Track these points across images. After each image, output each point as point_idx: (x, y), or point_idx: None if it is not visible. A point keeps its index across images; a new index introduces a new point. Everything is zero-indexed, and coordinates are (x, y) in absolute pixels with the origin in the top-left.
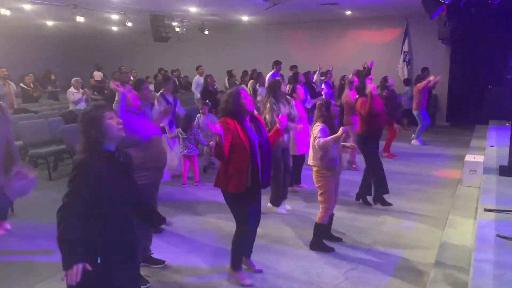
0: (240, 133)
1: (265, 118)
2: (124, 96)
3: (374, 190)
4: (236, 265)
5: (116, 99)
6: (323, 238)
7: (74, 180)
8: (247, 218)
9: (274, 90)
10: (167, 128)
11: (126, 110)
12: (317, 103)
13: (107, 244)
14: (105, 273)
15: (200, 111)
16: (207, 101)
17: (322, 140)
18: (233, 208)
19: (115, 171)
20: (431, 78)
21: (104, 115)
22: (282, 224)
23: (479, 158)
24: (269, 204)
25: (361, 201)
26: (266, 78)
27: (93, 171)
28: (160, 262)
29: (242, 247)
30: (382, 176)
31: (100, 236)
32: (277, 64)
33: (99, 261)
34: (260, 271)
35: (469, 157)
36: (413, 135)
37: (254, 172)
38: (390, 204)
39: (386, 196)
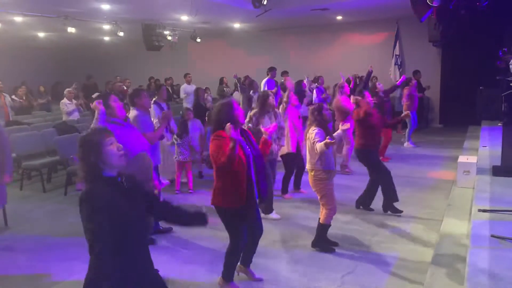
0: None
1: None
2: (103, 114)
3: (385, 199)
4: (227, 277)
5: (95, 117)
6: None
7: (86, 214)
8: (241, 233)
9: (261, 102)
10: (166, 136)
11: (111, 121)
12: (310, 108)
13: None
14: None
15: (185, 117)
16: (190, 107)
17: (318, 144)
18: (227, 223)
19: (121, 198)
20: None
21: (105, 141)
22: (278, 229)
23: (472, 159)
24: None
25: (361, 207)
26: (262, 84)
27: (102, 201)
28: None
29: (235, 261)
30: (391, 186)
31: (122, 270)
32: (271, 70)
33: None
34: (260, 280)
35: (462, 158)
36: (402, 139)
37: (249, 186)
38: (401, 211)
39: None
